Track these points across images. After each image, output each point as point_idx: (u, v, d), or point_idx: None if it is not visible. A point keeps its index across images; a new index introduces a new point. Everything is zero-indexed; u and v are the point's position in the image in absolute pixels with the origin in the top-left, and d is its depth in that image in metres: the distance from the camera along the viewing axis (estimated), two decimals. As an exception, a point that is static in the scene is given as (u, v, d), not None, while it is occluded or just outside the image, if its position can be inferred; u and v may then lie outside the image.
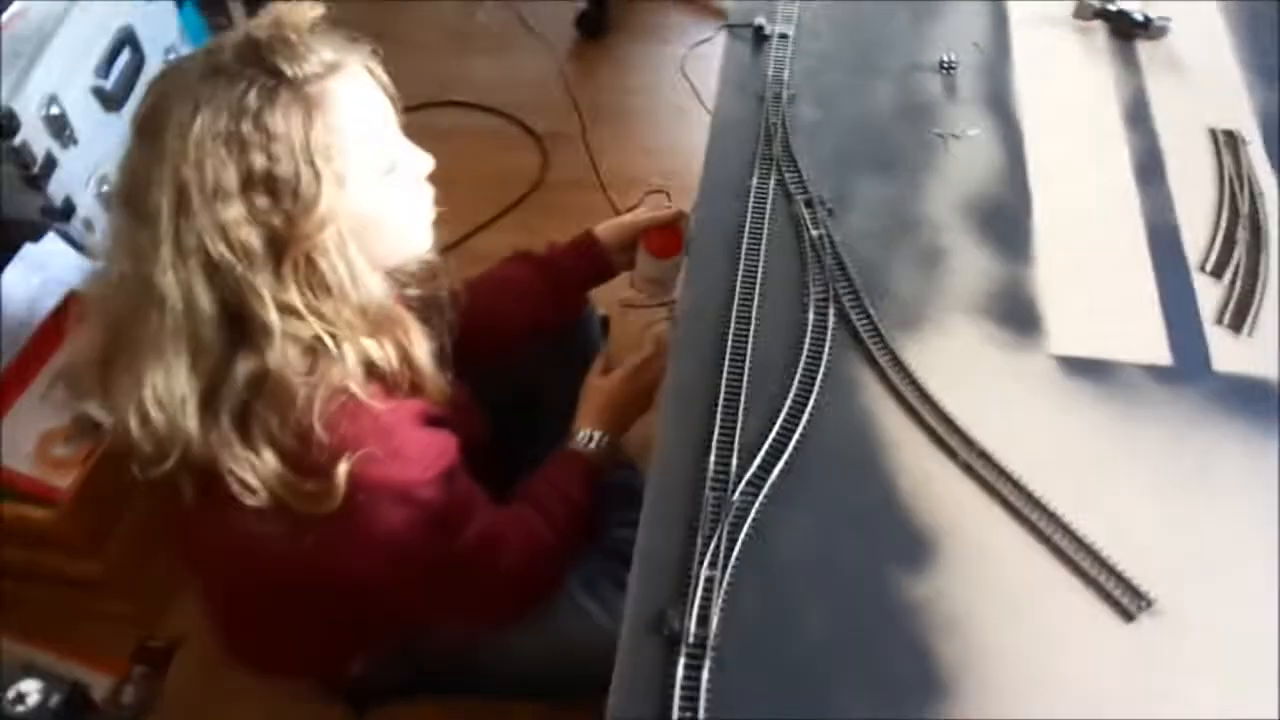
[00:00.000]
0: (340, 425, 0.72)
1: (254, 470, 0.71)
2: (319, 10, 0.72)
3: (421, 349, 0.81)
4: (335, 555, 0.79)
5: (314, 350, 0.73)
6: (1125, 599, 0.68)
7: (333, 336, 0.73)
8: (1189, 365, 0.82)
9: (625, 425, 1.08)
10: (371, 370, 0.76)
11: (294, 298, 0.71)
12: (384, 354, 0.77)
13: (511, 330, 1.13)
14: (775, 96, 1.03)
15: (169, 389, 0.70)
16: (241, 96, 0.67)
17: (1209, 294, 0.87)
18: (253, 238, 0.68)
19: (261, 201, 0.68)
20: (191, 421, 0.71)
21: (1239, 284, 0.87)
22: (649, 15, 2.27)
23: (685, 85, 2.06)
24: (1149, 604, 0.68)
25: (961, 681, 0.65)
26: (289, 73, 0.68)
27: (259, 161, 0.67)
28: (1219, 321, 0.84)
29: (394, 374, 0.78)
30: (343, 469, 0.72)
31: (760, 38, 1.10)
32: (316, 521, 0.74)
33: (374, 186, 0.75)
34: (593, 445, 1.05)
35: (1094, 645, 0.67)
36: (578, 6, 2.12)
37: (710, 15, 2.29)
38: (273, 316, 0.70)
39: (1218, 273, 0.88)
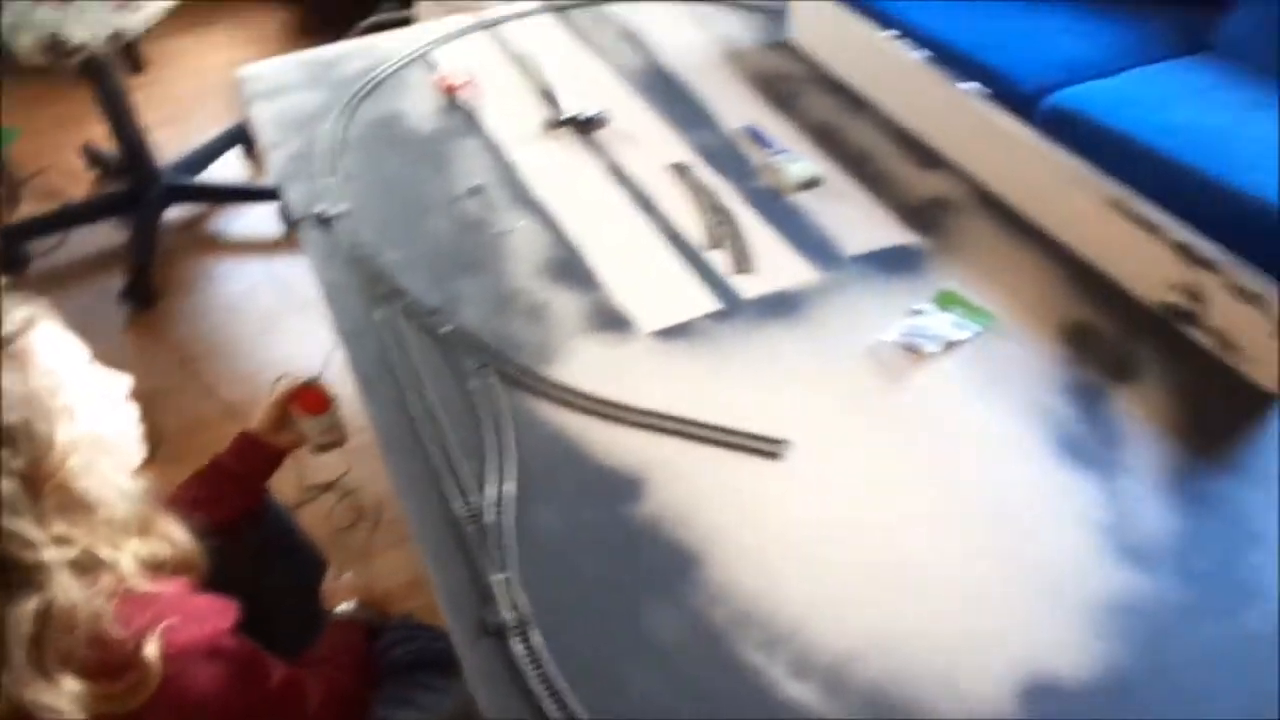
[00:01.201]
0: (134, 618, 0.78)
1: (60, 696, 0.74)
2: (2, 279, 0.80)
3: (180, 532, 0.88)
4: None
5: (90, 566, 0.78)
6: (768, 447, 0.97)
7: (107, 547, 0.78)
8: (731, 303, 1.16)
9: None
10: (145, 564, 0.82)
11: (61, 528, 0.76)
12: (151, 548, 0.83)
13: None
14: (363, 255, 1.24)
15: None
16: None
17: (719, 260, 1.23)
18: (4, 487, 0.73)
19: (2, 454, 0.74)
20: None
21: (732, 246, 1.24)
22: (189, 271, 2.38)
23: (254, 313, 2.21)
24: (785, 443, 0.97)
25: (706, 549, 0.89)
26: None
27: None
28: (734, 272, 1.20)
29: (162, 562, 0.85)
30: (152, 649, 0.77)
31: (324, 221, 1.31)
32: (137, 715, 0.77)
33: (96, 409, 0.83)
34: (351, 608, 1.17)
35: (770, 483, 0.95)
36: (120, 283, 2.16)
37: (232, 251, 2.46)
38: (47, 554, 0.74)
39: (718, 245, 1.25)
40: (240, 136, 2.69)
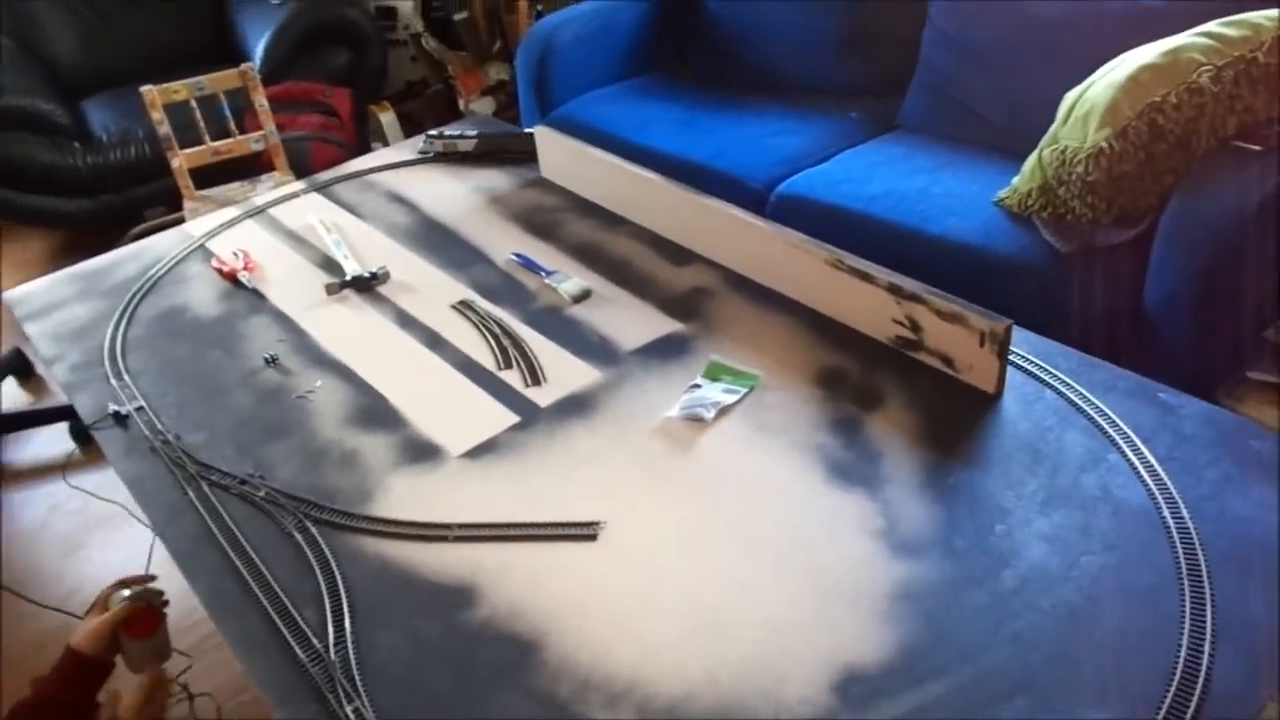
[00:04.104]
0: None
1: None
2: None
3: None
4: None
5: None
6: (583, 531, 1.06)
7: None
8: (528, 414, 1.26)
9: None
10: None
11: None
12: None
13: None
14: (164, 441, 1.27)
15: None
16: None
17: (512, 377, 1.33)
18: None
19: None
20: None
21: (521, 364, 1.35)
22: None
23: (53, 539, 2.11)
24: (598, 524, 1.07)
25: (542, 635, 0.96)
26: None
27: None
28: (526, 385, 1.31)
29: None
30: None
31: (120, 419, 1.33)
32: None
33: None
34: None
35: (591, 563, 1.03)
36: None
37: (20, 480, 2.35)
38: None
39: (509, 365, 1.35)
40: (11, 367, 2.61)
